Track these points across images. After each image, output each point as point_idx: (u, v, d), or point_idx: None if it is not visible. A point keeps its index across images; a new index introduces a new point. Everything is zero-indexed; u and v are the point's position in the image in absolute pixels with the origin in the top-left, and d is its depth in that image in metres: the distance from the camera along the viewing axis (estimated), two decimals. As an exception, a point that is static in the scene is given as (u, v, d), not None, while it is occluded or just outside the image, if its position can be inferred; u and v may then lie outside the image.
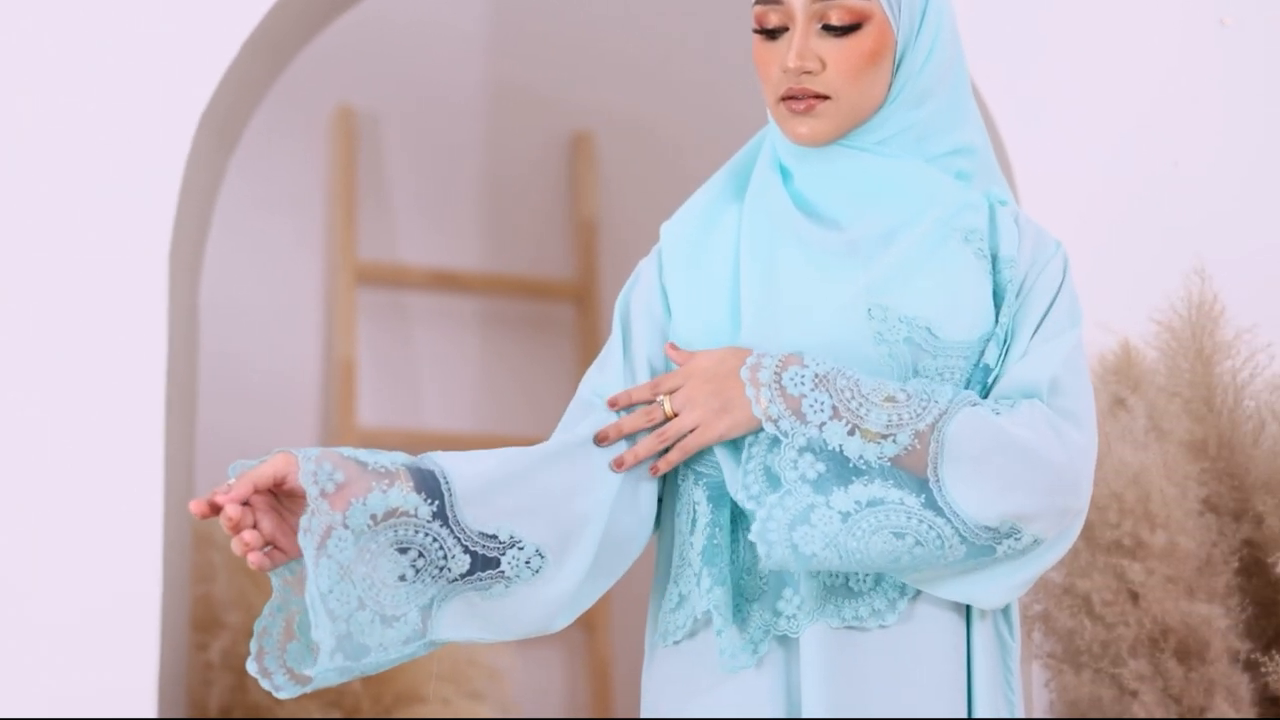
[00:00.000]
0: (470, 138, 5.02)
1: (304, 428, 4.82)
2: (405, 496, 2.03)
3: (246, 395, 4.72)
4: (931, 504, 2.05)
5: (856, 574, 2.10)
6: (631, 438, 2.14)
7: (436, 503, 2.05)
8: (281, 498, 2.03)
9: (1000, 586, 2.10)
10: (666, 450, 2.14)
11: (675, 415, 2.13)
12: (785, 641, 2.12)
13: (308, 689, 2.04)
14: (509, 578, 2.08)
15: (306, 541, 1.97)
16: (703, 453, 2.16)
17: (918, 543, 2.04)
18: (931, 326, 2.13)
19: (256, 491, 2.00)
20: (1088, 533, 3.01)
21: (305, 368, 4.86)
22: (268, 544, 2.01)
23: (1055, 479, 2.07)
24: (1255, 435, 3.11)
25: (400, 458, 2.07)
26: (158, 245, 3.33)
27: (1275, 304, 3.18)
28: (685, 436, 2.13)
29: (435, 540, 2.05)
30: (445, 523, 2.05)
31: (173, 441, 3.33)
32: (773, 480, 2.08)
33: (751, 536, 2.04)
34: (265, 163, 4.80)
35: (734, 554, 2.14)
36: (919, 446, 2.06)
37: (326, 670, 2.00)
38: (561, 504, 2.11)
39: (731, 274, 2.18)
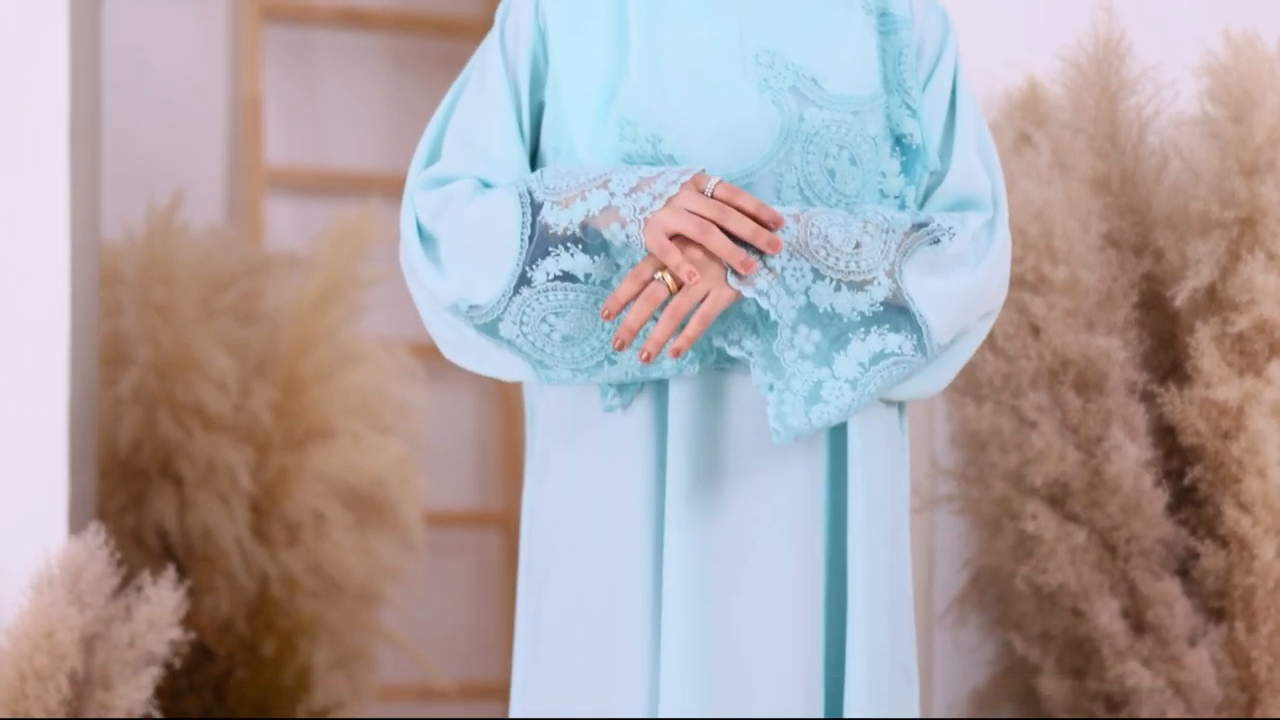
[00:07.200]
0: None
1: (210, 165, 4.78)
2: None
3: (153, 133, 4.67)
4: (921, 347, 2.08)
5: (728, 331, 2.09)
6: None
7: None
8: None
9: (937, 382, 2.15)
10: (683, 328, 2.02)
11: (679, 288, 2.01)
12: (657, 384, 2.11)
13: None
14: None
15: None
16: None
17: (907, 375, 2.09)
18: (817, 77, 2.11)
19: None
20: (991, 268, 3.04)
21: (211, 105, 4.81)
22: None
23: (995, 300, 2.15)
24: (1158, 171, 3.13)
25: None
26: (57, -22, 3.27)
27: (1180, 41, 3.19)
28: (699, 305, 2.01)
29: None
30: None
31: (78, 180, 3.30)
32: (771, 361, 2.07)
33: (771, 423, 2.03)
34: (167, -104, 4.71)
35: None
36: (893, 286, 2.07)
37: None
38: None
39: (616, 17, 2.13)
